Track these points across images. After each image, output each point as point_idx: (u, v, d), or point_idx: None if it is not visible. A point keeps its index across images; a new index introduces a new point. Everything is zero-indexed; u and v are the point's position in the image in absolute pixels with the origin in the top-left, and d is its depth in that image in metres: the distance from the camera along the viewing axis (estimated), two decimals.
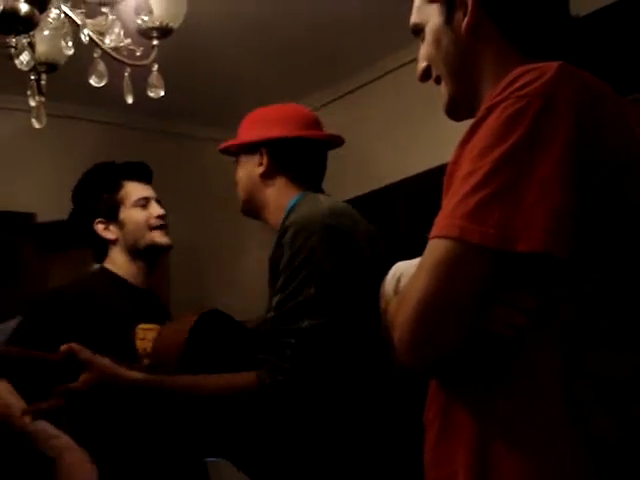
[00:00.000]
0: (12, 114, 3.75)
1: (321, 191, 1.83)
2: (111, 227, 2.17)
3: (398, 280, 1.11)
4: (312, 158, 1.84)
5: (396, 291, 1.11)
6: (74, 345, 1.56)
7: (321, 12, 3.37)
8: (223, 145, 1.90)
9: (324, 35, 3.57)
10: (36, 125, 2.31)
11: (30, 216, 3.84)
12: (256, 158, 1.81)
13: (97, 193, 2.19)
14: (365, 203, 3.92)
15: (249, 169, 1.83)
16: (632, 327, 0.97)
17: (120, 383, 1.55)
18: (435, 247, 0.94)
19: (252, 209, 1.87)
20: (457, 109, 1.17)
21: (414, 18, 1.19)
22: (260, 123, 1.84)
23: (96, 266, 2.24)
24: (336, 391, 1.57)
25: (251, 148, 1.83)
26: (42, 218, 3.83)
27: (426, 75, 1.18)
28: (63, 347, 1.56)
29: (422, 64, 1.18)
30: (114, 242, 2.18)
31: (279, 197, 1.79)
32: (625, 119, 1.02)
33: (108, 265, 2.19)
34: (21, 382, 1.75)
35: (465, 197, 0.92)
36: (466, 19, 1.10)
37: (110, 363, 1.57)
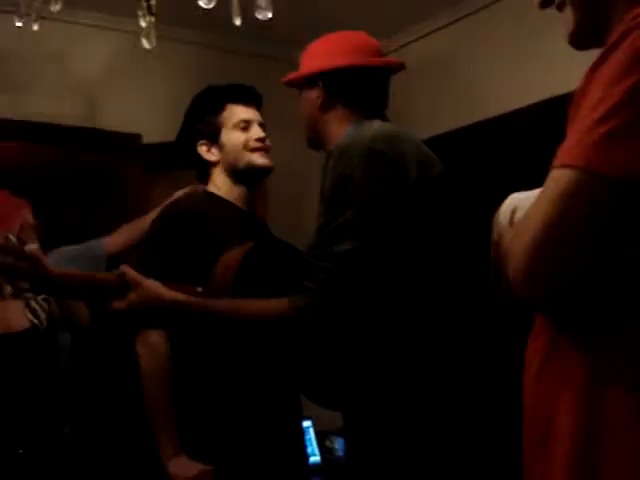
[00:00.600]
0: (123, 35, 3.81)
1: (383, 118, 1.80)
2: (213, 149, 2.19)
3: (513, 212, 1.09)
4: (369, 86, 1.82)
5: (511, 223, 1.09)
6: (124, 267, 1.65)
7: None
8: (286, 78, 1.90)
9: None
10: (145, 45, 2.34)
11: (137, 137, 3.94)
12: (314, 91, 1.82)
13: (202, 115, 2.21)
14: (468, 135, 3.84)
15: (309, 102, 1.84)
16: None
17: (162, 303, 1.62)
18: (560, 176, 0.91)
19: (316, 142, 1.89)
20: (584, 37, 1.10)
21: None
22: (316, 55, 1.84)
23: (200, 188, 2.28)
24: (374, 316, 1.56)
25: (308, 81, 1.83)
26: (147, 139, 3.92)
27: (547, 1, 1.12)
28: (118, 271, 1.65)
29: None
30: (215, 164, 2.20)
31: (339, 128, 1.79)
32: None
33: (212, 188, 2.22)
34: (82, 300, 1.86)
35: (594, 126, 0.89)
36: None
37: (155, 284, 1.63)
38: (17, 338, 2.52)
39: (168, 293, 1.62)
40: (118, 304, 1.62)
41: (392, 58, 1.87)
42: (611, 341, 0.94)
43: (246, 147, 2.17)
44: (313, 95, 1.83)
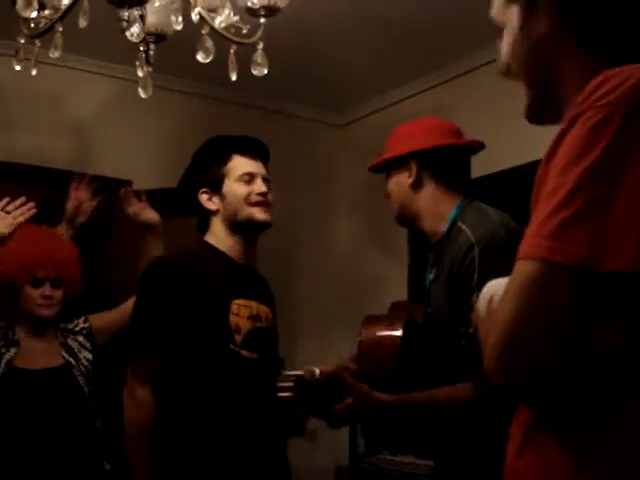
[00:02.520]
0: (118, 82, 3.86)
1: (472, 195, 1.91)
2: (214, 198, 2.20)
3: (489, 301, 1.08)
4: (458, 164, 1.93)
5: (488, 310, 1.07)
6: (339, 371, 1.75)
7: None
8: (374, 163, 2.01)
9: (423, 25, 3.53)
10: (142, 95, 2.37)
11: (127, 183, 3.94)
12: (405, 170, 1.92)
13: (207, 163, 2.22)
14: None
15: (400, 181, 1.93)
16: None
17: (375, 407, 1.72)
18: (521, 269, 0.91)
19: (406, 219, 1.97)
20: (537, 114, 1.12)
21: (496, 17, 1.14)
22: (405, 137, 1.94)
23: (197, 239, 2.27)
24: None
25: (400, 161, 1.92)
26: (137, 186, 3.93)
27: (507, 72, 1.14)
28: (329, 370, 1.74)
29: (501, 61, 1.13)
30: (215, 213, 2.20)
31: (435, 205, 1.89)
32: None
33: (209, 238, 2.22)
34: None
35: (549, 216, 0.89)
36: (542, 25, 1.04)
37: (368, 389, 1.71)
38: (50, 373, 2.53)
39: (380, 396, 1.71)
40: (339, 407, 1.71)
41: (473, 138, 1.99)
42: (582, 430, 0.93)
43: (247, 201, 2.17)
44: (404, 175, 1.92)
